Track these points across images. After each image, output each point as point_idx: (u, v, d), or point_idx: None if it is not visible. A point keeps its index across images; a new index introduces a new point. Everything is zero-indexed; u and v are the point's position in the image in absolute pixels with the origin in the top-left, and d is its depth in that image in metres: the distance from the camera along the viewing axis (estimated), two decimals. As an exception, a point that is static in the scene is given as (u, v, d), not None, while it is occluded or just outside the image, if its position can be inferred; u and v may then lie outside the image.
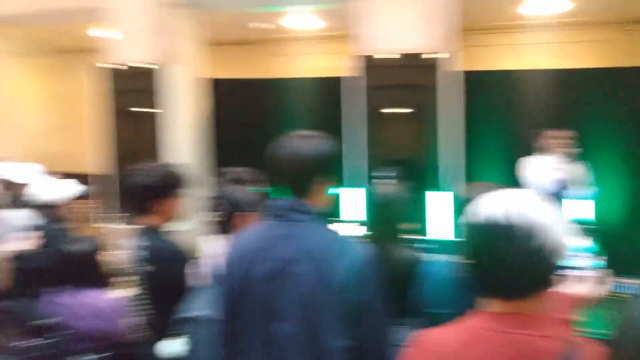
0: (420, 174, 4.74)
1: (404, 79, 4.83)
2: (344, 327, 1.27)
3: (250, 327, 1.35)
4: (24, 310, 2.08)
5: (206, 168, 6.19)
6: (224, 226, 1.79)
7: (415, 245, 2.88)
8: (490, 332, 0.95)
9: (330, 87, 6.20)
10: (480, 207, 0.97)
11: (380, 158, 4.79)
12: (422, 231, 4.22)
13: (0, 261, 0.91)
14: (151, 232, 2.03)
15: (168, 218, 2.10)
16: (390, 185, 2.48)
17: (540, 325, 0.95)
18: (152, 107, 5.81)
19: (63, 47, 9.60)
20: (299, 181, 1.37)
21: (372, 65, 4.83)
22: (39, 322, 2.02)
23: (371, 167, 4.77)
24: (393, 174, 3.84)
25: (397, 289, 2.04)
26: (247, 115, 6.45)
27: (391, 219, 2.21)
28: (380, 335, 1.32)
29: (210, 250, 1.82)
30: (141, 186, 2.00)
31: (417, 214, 4.10)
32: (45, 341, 1.99)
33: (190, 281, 1.90)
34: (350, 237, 1.43)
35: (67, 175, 3.14)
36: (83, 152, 9.17)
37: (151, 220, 2.05)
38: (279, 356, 1.31)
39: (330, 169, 1.41)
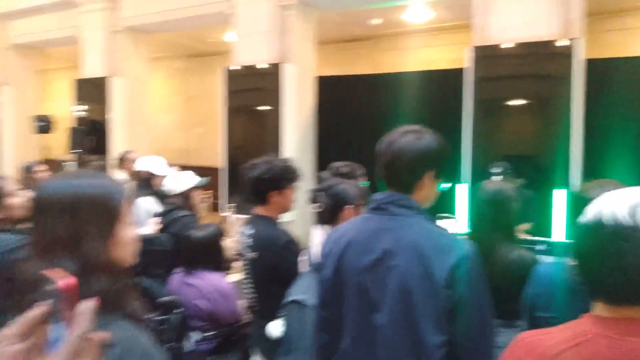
0: (538, 170, 4.47)
1: (527, 69, 4.56)
2: (443, 323, 1.27)
3: (349, 316, 1.40)
4: (149, 288, 2.35)
5: (314, 162, 6.40)
6: (329, 218, 1.87)
7: (530, 246, 2.75)
8: (599, 338, 0.90)
9: (445, 80, 6.02)
10: (601, 206, 0.91)
11: (495, 152, 4.60)
12: (541, 231, 3.99)
13: (134, 242, 1.06)
14: (265, 221, 2.20)
15: (283, 209, 2.25)
16: (502, 182, 2.39)
17: None
18: (267, 104, 6.15)
19: (193, 52, 10.51)
20: (404, 176, 1.39)
21: (493, 55, 4.62)
22: (162, 299, 2.26)
23: (478, 162, 4.60)
24: (506, 169, 3.67)
25: (506, 289, 1.99)
26: (355, 112, 6.52)
27: (503, 217, 2.14)
28: (481, 334, 1.30)
29: (316, 240, 1.92)
30: (260, 178, 2.16)
31: (532, 212, 3.88)
32: (164, 317, 2.22)
33: (300, 268, 2.02)
34: (455, 234, 1.43)
35: (191, 168, 3.47)
36: (207, 147, 9.98)
37: (267, 210, 2.22)
38: (376, 346, 1.34)
39: (437, 165, 1.41)
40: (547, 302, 1.55)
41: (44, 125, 8.37)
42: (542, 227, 4.15)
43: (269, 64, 6.06)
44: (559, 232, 4.20)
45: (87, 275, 0.94)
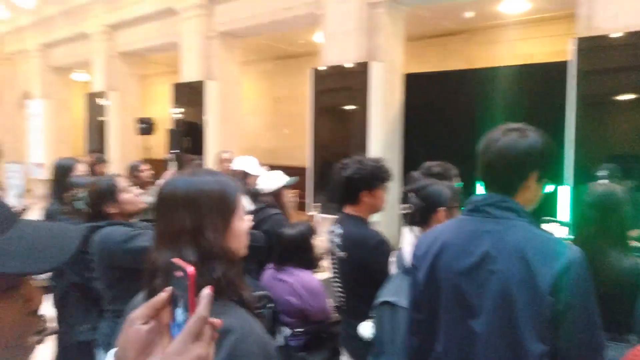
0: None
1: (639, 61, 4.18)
2: (546, 332, 1.20)
3: (444, 320, 1.36)
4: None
5: (400, 162, 6.31)
6: (419, 219, 1.83)
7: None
8: None
9: (545, 74, 5.66)
10: None
11: (600, 153, 4.25)
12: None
13: (246, 233, 1.14)
14: (355, 220, 2.19)
15: (373, 209, 2.24)
16: (611, 184, 2.20)
17: None
18: (354, 104, 6.15)
19: (282, 54, 10.80)
20: (506, 177, 1.33)
21: (600, 46, 4.28)
22: (255, 294, 2.32)
23: (582, 163, 4.27)
24: (614, 172, 3.37)
25: (617, 300, 1.83)
26: (445, 110, 6.31)
27: (613, 222, 1.97)
28: (587, 346, 1.21)
29: (407, 241, 1.88)
30: (351, 178, 2.16)
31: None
32: (256, 311, 2.28)
33: (391, 268, 1.99)
34: (562, 238, 1.33)
35: (278, 168, 3.55)
36: (294, 147, 10.21)
37: (358, 210, 2.22)
38: (474, 353, 1.29)
39: (541, 165, 1.33)
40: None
41: (146, 127, 9.02)
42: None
43: (356, 63, 6.06)
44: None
45: (206, 263, 1.01)
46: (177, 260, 0.70)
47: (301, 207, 7.87)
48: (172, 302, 0.69)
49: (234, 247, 1.08)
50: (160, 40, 9.42)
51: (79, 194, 2.48)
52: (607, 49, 4.27)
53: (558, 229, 2.07)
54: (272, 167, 3.41)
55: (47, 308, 2.75)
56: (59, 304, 2.71)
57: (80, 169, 2.91)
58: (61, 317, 2.72)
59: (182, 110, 8.82)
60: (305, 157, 6.71)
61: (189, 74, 8.61)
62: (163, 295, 0.69)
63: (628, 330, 1.74)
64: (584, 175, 4.22)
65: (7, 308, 0.55)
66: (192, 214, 1.04)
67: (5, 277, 0.54)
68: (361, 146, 5.97)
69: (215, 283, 0.99)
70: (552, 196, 4.29)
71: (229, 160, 4.42)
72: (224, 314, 0.97)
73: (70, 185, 2.62)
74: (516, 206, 1.32)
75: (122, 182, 2.28)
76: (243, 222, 1.12)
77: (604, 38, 4.25)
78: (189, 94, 8.63)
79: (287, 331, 2.40)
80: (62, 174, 2.86)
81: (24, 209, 3.28)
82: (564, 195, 4.22)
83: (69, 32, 11.33)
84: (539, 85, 5.69)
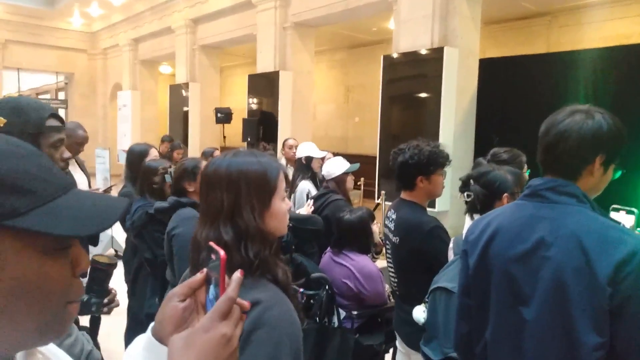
0: None
1: None
2: (602, 323, 1.12)
3: (494, 307, 1.31)
4: (302, 264, 2.48)
5: (473, 149, 6.08)
6: (481, 207, 1.76)
7: None
8: None
9: (636, 56, 5.20)
10: None
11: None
12: None
13: (286, 214, 1.17)
14: (410, 206, 2.16)
15: (430, 195, 2.20)
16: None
17: None
18: (426, 91, 6.01)
19: (354, 42, 10.78)
20: (568, 160, 1.25)
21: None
22: (314, 275, 2.38)
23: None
24: None
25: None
26: (522, 96, 5.98)
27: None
28: None
29: (467, 228, 1.83)
30: (407, 163, 2.13)
31: None
32: (314, 292, 2.33)
33: (449, 255, 1.95)
34: (628, 228, 1.23)
35: (349, 156, 3.57)
36: (365, 135, 10.17)
37: (414, 196, 2.18)
38: (523, 341, 1.24)
39: (609, 149, 1.24)
40: None
41: (223, 116, 9.37)
42: None
43: (430, 49, 5.91)
44: None
45: (242, 242, 1.06)
46: (211, 244, 0.75)
47: (369, 194, 7.87)
48: (207, 282, 0.74)
49: (272, 226, 1.10)
50: (238, 33, 9.73)
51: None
52: None
53: (626, 218, 1.90)
54: (343, 156, 3.44)
55: (119, 283, 2.97)
56: (132, 279, 2.91)
57: (154, 154, 3.09)
58: (132, 292, 2.92)
59: (257, 100, 9.06)
60: (375, 145, 6.67)
61: (264, 65, 8.83)
62: (199, 275, 0.73)
63: None
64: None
65: (57, 267, 0.59)
66: (231, 194, 1.07)
67: (56, 238, 0.58)
68: (433, 135, 5.82)
69: (249, 261, 1.03)
70: (635, 183, 3.96)
71: (294, 147, 4.50)
72: (255, 288, 1.01)
73: (145, 169, 2.80)
74: (577, 191, 1.24)
75: (203, 165, 2.41)
76: (283, 203, 1.13)
77: None
78: (264, 84, 8.85)
79: (342, 313, 2.43)
80: (136, 159, 3.05)
81: (108, 189, 3.54)
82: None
83: (155, 26, 12.02)
84: (628, 68, 5.23)
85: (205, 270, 0.74)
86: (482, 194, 1.79)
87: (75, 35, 14.87)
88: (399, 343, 2.22)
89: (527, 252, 1.25)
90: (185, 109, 10.93)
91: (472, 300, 1.40)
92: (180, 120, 11.15)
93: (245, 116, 9.14)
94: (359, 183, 8.15)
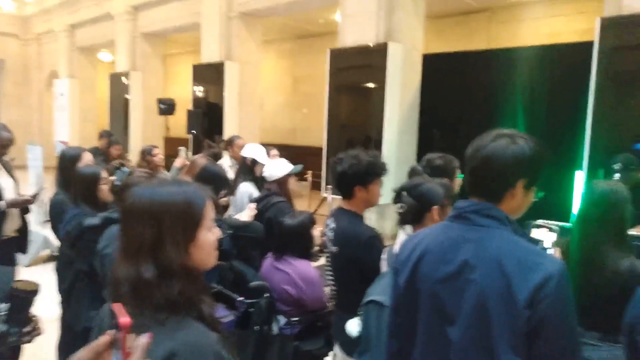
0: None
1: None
2: (520, 345, 1.17)
3: (421, 326, 1.35)
4: (242, 272, 2.46)
5: (416, 142, 6.21)
6: (412, 218, 1.80)
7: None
8: None
9: (571, 54, 5.44)
10: None
11: (618, 137, 4.10)
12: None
13: (214, 245, 1.13)
14: (348, 215, 2.18)
15: (368, 204, 2.22)
16: (615, 182, 2.12)
17: None
18: (371, 84, 6.06)
19: (302, 33, 10.68)
20: (492, 183, 1.29)
21: (626, 24, 4.10)
22: (253, 284, 2.37)
23: (597, 147, 4.12)
24: (628, 163, 3.23)
25: (611, 302, 1.78)
26: (463, 91, 6.15)
27: (614, 221, 1.90)
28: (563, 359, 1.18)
29: (399, 240, 1.86)
30: (345, 173, 2.14)
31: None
32: (254, 300, 2.32)
33: (382, 266, 1.98)
34: (544, 247, 1.29)
35: (296, 148, 3.53)
36: (313, 126, 10.16)
37: (352, 205, 2.20)
38: (448, 361, 1.28)
39: (530, 173, 1.28)
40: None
41: (166, 107, 9.10)
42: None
43: (374, 44, 5.95)
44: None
45: (165, 278, 1.00)
46: (115, 307, 0.71)
47: (316, 186, 7.90)
48: (114, 344, 0.70)
49: (198, 260, 1.06)
50: (181, 21, 9.43)
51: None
52: (634, 28, 4.08)
53: (547, 235, 2.01)
54: (291, 147, 3.40)
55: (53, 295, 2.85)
56: (67, 288, 2.79)
57: (87, 159, 2.95)
58: (67, 302, 2.80)
59: (203, 90, 8.85)
60: (322, 137, 6.69)
61: (208, 55, 8.61)
62: (104, 339, 0.70)
63: (619, 332, 1.69)
64: (600, 161, 4.10)
65: None
66: (153, 228, 1.02)
67: None
68: (378, 127, 5.91)
69: (173, 300, 0.99)
70: (569, 181, 4.18)
71: (240, 146, 4.42)
72: (178, 330, 0.97)
73: (79, 176, 2.68)
74: (500, 214, 1.29)
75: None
76: (211, 233, 1.09)
77: (632, 17, 4.06)
78: (209, 75, 8.65)
79: (282, 320, 2.43)
80: (68, 164, 2.90)
81: (35, 195, 3.35)
82: (580, 181, 4.12)
83: (94, 12, 11.46)
84: (562, 66, 5.48)
85: (112, 332, 0.71)
86: (413, 206, 1.83)
87: (5, 18, 13.96)
88: (336, 349, 2.25)
89: (452, 274, 1.28)
90: (126, 97, 10.53)
91: (401, 318, 1.43)
92: (121, 110, 10.73)
93: (190, 107, 8.91)
94: (305, 175, 8.16)
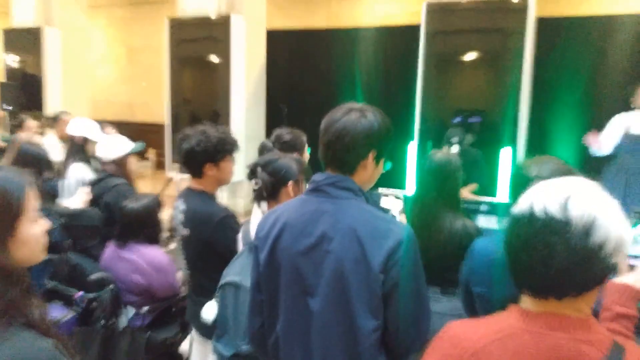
0: (487, 128, 4.51)
1: (480, 24, 4.53)
2: (377, 307, 1.24)
3: (284, 300, 1.35)
4: (78, 265, 2.22)
5: (264, 118, 6.22)
6: (268, 194, 1.77)
7: (475, 207, 2.76)
8: (523, 332, 0.88)
9: (402, 35, 5.89)
10: (534, 197, 0.89)
11: (444, 110, 4.59)
12: (487, 190, 4.05)
13: (41, 238, 0.98)
14: (199, 195, 2.07)
15: (219, 182, 2.12)
16: (448, 153, 2.35)
17: (582, 328, 0.87)
18: (215, 58, 5.85)
19: (136, 0, 9.83)
20: (345, 156, 1.32)
21: (446, 9, 4.54)
22: (93, 277, 2.15)
23: (427, 120, 4.60)
24: (462, 138, 3.65)
25: (448, 259, 1.98)
26: (308, 68, 6.30)
27: (448, 188, 2.12)
28: (414, 319, 1.28)
29: (254, 217, 1.83)
30: (194, 150, 2.01)
31: (479, 172, 3.93)
32: (95, 295, 2.12)
33: (237, 246, 1.92)
34: (393, 215, 1.36)
35: (135, 124, 3.24)
36: (153, 101, 9.52)
37: (202, 184, 2.08)
38: (311, 331, 1.30)
39: (380, 145, 1.34)
40: (482, 278, 1.54)
41: (-29, 78, 7.72)
42: (490, 186, 4.23)
43: (217, 15, 5.72)
44: (503, 192, 4.28)
45: None
46: None
47: (160, 165, 7.45)
48: None
49: (22, 256, 0.92)
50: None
51: None
52: (453, 13, 4.55)
53: (394, 202, 2.18)
54: (128, 124, 3.09)
55: None
56: None
57: None
58: None
59: (17, 59, 7.68)
60: (164, 113, 6.29)
61: (22, 18, 7.47)
62: None
63: (457, 286, 1.89)
64: (429, 132, 4.56)
65: None
66: None
67: None
68: (224, 101, 5.75)
69: None
70: (403, 152, 4.58)
71: (67, 123, 3.87)
72: (0, 344, 0.82)
73: None
74: (354, 185, 1.33)
75: None
76: (36, 225, 0.95)
77: (450, 3, 4.52)
78: (24, 41, 7.52)
79: (131, 311, 2.25)
80: None
81: None
82: (412, 151, 4.54)
83: None
84: (394, 47, 5.92)
85: None
86: (269, 182, 1.80)
87: None
88: (193, 332, 2.15)
89: (312, 246, 1.30)
90: None
91: (263, 295, 1.41)
92: None
93: (3, 79, 7.69)
94: (147, 154, 7.63)
